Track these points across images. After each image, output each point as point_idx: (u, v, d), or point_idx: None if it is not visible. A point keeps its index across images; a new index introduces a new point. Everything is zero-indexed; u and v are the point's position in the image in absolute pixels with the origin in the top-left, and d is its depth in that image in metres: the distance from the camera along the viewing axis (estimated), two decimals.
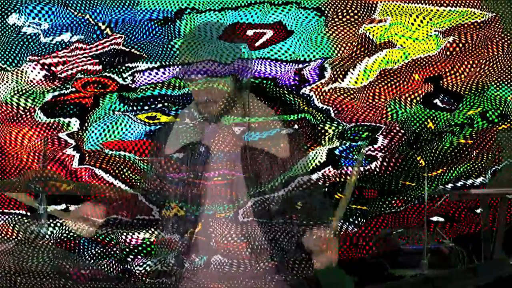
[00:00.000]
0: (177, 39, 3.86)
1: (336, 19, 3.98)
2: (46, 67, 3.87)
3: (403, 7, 4.00)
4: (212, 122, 2.56)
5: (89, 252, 3.58)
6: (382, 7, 3.99)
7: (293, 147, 2.58)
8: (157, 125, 3.94)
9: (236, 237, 2.54)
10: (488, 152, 4.13)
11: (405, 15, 4.01)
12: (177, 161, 2.58)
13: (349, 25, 3.99)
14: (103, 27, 3.86)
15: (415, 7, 4.00)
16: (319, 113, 4.01)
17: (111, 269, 3.17)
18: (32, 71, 3.86)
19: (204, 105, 2.53)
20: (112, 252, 3.43)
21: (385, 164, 4.12)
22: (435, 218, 4.26)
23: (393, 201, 4.18)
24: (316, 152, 4.02)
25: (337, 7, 3.97)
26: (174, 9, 3.88)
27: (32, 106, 3.92)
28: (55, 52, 3.87)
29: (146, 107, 3.92)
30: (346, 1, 3.98)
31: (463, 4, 4.00)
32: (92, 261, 3.46)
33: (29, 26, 3.84)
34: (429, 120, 4.06)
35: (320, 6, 3.97)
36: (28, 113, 3.93)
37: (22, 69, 3.86)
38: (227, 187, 2.53)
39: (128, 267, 3.26)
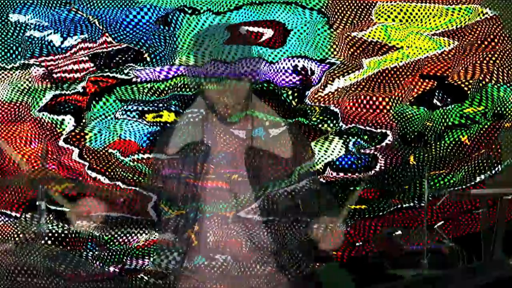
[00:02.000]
0: (181, 43, 3.86)
1: (337, 20, 3.99)
2: (45, 67, 3.87)
3: (402, 7, 4.00)
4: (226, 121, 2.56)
5: (89, 252, 3.58)
6: (379, 8, 3.98)
7: (296, 148, 2.59)
8: (159, 126, 3.94)
9: (237, 236, 2.54)
10: (488, 152, 4.13)
11: (405, 16, 4.01)
12: (179, 160, 2.59)
13: (350, 26, 3.99)
14: (101, 27, 3.86)
15: (415, 6, 3.99)
16: (317, 113, 4.00)
17: (111, 270, 3.17)
18: (33, 70, 3.87)
19: (223, 105, 2.53)
20: (112, 253, 3.43)
21: (385, 164, 4.12)
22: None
23: (391, 201, 4.18)
24: (319, 154, 4.03)
25: (338, 8, 3.98)
26: (172, 7, 3.87)
27: (31, 103, 3.92)
28: (56, 53, 3.87)
29: (151, 107, 3.92)
30: (346, 2, 3.98)
31: (464, 1, 4.00)
32: (91, 261, 3.46)
33: (30, 27, 3.84)
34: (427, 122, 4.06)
35: (322, 8, 3.97)
36: (27, 112, 3.93)
37: (23, 68, 3.86)
38: (229, 188, 2.54)
39: (129, 267, 3.26)
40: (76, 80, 3.89)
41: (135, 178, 3.87)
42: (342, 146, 4.05)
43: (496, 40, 4.04)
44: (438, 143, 4.10)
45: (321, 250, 2.53)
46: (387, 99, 4.06)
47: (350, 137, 4.07)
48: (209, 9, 3.90)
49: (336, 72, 4.02)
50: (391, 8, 4.00)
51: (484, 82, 4.05)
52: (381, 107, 4.06)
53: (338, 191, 4.12)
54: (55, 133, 3.96)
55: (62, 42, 3.87)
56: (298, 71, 4.00)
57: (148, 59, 3.90)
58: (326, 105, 4.03)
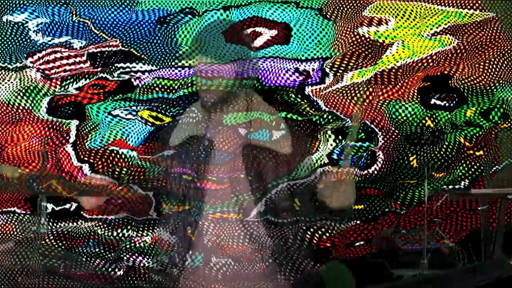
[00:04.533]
0: (181, 46, 3.86)
1: (336, 19, 3.99)
2: (39, 68, 3.87)
3: (399, 5, 4.00)
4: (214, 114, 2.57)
5: (89, 252, 3.58)
6: (375, 5, 3.99)
7: (296, 147, 2.59)
8: (159, 125, 3.94)
9: (237, 237, 2.54)
10: (488, 152, 4.14)
11: (403, 15, 4.01)
12: (180, 158, 2.59)
13: (348, 24, 3.99)
14: (98, 32, 3.87)
15: (412, 4, 4.00)
16: (324, 114, 4.01)
17: (112, 270, 3.17)
18: (30, 71, 3.87)
19: (211, 104, 2.54)
20: (112, 253, 3.42)
21: (384, 164, 4.12)
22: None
23: (390, 203, 4.17)
24: (319, 153, 4.02)
25: (337, 7, 3.98)
26: (175, 9, 3.88)
27: (31, 106, 3.92)
28: (49, 52, 3.88)
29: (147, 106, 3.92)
30: (345, 1, 3.98)
31: (461, 5, 4.00)
32: (92, 261, 3.46)
33: (29, 29, 3.84)
34: (427, 119, 4.06)
35: (322, 7, 3.98)
36: (28, 113, 3.93)
37: (22, 69, 3.86)
38: (229, 187, 2.54)
39: (129, 267, 3.26)
40: (74, 77, 3.89)
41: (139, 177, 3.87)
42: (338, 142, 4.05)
43: (496, 41, 4.04)
44: (439, 143, 4.10)
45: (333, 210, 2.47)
46: (383, 98, 4.06)
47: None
48: (212, 9, 3.91)
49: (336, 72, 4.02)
50: (388, 7, 4.00)
51: (486, 84, 4.05)
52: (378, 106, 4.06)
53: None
54: (61, 133, 3.96)
55: (59, 42, 3.88)
56: (300, 71, 4.00)
57: (147, 59, 3.91)
58: (328, 102, 4.03)
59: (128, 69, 3.90)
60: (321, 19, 3.99)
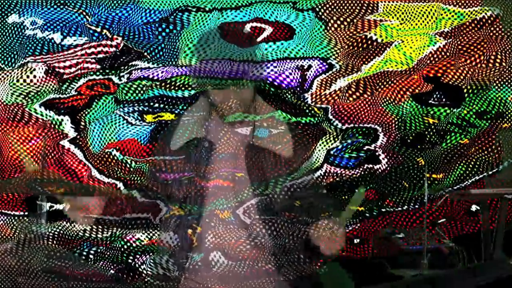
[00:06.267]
0: (183, 42, 3.85)
1: (335, 20, 3.99)
2: (47, 66, 3.87)
3: (404, 6, 4.00)
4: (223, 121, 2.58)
5: (89, 252, 3.58)
6: (384, 7, 3.99)
7: (297, 147, 2.59)
8: (156, 124, 3.94)
9: (238, 237, 2.54)
10: (488, 152, 4.14)
11: (407, 16, 4.01)
12: (183, 159, 2.59)
13: (348, 26, 3.99)
14: (99, 29, 3.86)
15: (417, 6, 4.00)
16: (320, 112, 4.01)
17: (111, 270, 3.17)
18: (34, 70, 3.87)
19: (222, 106, 2.54)
20: (111, 252, 3.42)
21: (386, 164, 4.12)
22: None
23: (385, 201, 4.18)
24: (317, 152, 4.03)
25: (335, 8, 3.98)
26: (173, 7, 3.88)
27: (30, 104, 3.92)
28: (56, 52, 3.87)
29: (150, 108, 3.92)
30: (345, 1, 3.98)
31: (464, 4, 4.01)
32: (92, 261, 3.46)
33: (30, 28, 3.84)
34: (429, 118, 4.06)
35: (316, 7, 3.98)
36: (26, 113, 3.93)
37: (23, 68, 3.86)
38: (230, 186, 2.54)
39: (129, 267, 3.26)
40: (75, 78, 3.89)
41: (139, 180, 3.87)
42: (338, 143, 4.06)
43: (495, 40, 4.04)
44: (439, 143, 4.10)
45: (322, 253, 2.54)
46: (382, 98, 4.06)
47: (347, 136, 4.08)
48: (214, 7, 3.91)
49: (335, 74, 4.02)
50: (393, 8, 4.01)
51: (484, 83, 4.05)
52: (376, 106, 4.06)
53: (341, 192, 4.12)
54: (56, 132, 3.96)
55: (62, 41, 3.88)
56: (301, 72, 4.00)
57: (149, 57, 3.90)
58: (326, 105, 4.04)
59: (143, 70, 3.90)
60: (317, 20, 3.99)
